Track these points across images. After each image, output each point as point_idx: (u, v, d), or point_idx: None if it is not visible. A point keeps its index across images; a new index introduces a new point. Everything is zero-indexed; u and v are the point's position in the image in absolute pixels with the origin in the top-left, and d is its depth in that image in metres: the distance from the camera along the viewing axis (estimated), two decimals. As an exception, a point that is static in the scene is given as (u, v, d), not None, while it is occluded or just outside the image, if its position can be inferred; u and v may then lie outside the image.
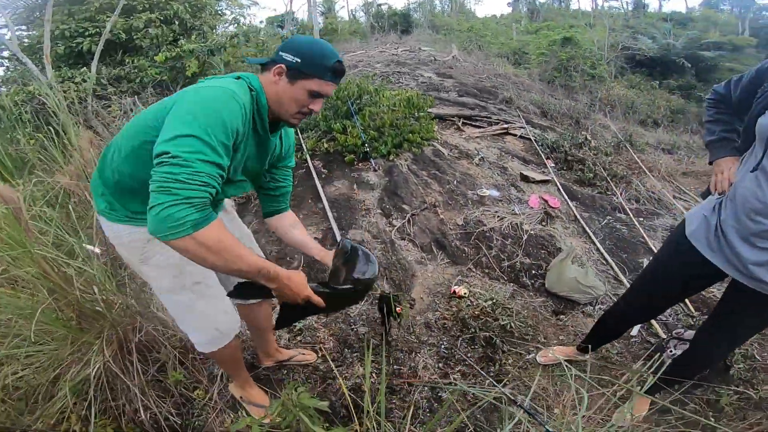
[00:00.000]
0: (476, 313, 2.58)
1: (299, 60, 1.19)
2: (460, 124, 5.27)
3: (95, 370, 1.87)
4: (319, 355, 2.30)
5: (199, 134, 1.00)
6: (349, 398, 1.62)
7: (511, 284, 2.89)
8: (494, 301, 2.63)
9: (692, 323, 2.65)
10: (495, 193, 3.68)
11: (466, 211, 3.44)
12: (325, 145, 4.38)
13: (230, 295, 1.27)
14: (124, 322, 2.01)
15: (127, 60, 5.89)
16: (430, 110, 5.10)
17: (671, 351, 2.31)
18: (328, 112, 4.71)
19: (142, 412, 1.97)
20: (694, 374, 1.69)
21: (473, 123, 5.38)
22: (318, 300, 1.27)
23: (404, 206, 3.49)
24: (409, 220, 3.31)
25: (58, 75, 5.31)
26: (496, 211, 3.44)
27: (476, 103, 6.19)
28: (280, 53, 1.21)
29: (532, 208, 3.56)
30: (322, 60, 1.20)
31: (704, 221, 1.35)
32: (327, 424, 1.76)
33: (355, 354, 2.33)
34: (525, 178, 4.02)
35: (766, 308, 1.32)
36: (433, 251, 3.08)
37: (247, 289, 1.23)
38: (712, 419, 1.39)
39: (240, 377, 1.94)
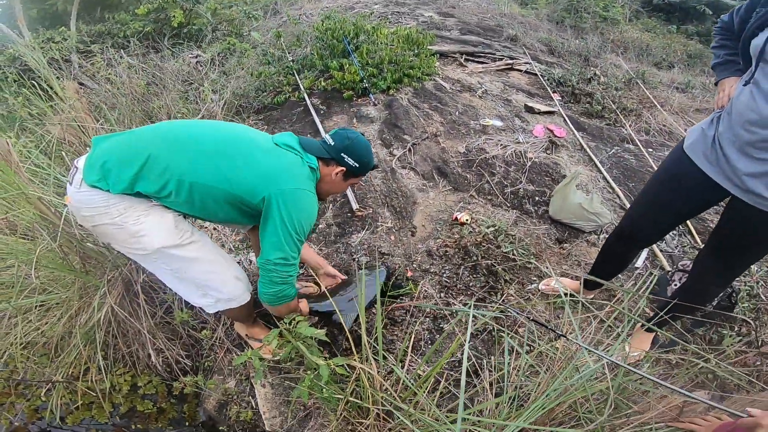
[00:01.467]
0: (478, 240, 2.47)
1: (357, 166, 1.55)
2: (462, 60, 4.99)
3: (103, 313, 1.83)
4: (323, 290, 2.24)
5: (296, 246, 1.44)
6: (349, 331, 1.58)
7: (514, 211, 2.78)
8: (496, 227, 2.52)
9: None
10: (498, 122, 3.50)
11: (468, 140, 3.28)
12: (323, 84, 4.19)
13: None
14: (126, 263, 1.95)
15: (107, 16, 5.56)
16: (430, 47, 4.82)
17: (676, 284, 2.20)
18: (324, 51, 4.48)
19: (153, 356, 1.96)
20: (695, 307, 1.66)
21: (476, 59, 5.09)
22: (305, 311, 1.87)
23: (405, 137, 3.33)
24: (409, 149, 3.16)
25: (36, 37, 5.04)
26: (499, 140, 3.28)
27: (479, 41, 5.84)
28: (344, 156, 1.53)
29: (536, 137, 3.39)
30: (369, 164, 1.60)
31: (702, 134, 1.36)
32: (327, 356, 1.73)
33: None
34: (530, 110, 3.82)
35: (762, 229, 1.30)
36: (434, 178, 2.95)
37: None
38: (713, 361, 1.28)
39: (243, 315, 1.92)
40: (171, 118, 3.38)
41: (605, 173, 3.14)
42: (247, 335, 1.97)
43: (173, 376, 2.03)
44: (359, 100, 4.01)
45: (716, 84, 1.47)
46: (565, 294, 1.88)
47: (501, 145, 3.20)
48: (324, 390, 1.34)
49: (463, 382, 0.85)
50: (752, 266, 2.38)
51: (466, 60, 5.03)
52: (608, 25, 8.27)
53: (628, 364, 1.16)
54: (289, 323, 1.43)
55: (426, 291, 2.21)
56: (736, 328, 2.07)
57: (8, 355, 1.89)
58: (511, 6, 8.92)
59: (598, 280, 1.51)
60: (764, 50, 1.11)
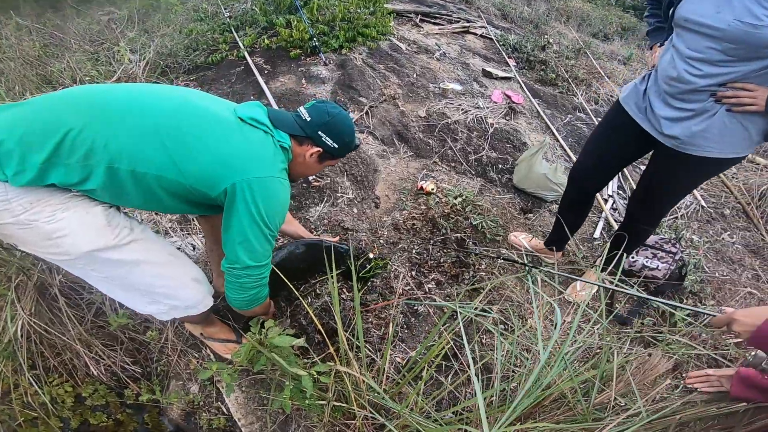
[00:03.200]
0: (446, 211, 2.32)
1: (337, 147, 1.27)
2: (417, 20, 4.68)
3: (18, 326, 1.45)
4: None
5: (268, 244, 1.20)
6: (319, 323, 1.36)
7: (479, 179, 2.64)
8: (464, 198, 2.37)
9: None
10: (458, 86, 3.30)
11: (428, 104, 3.06)
12: (266, 42, 3.72)
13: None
14: (36, 264, 1.55)
15: None
16: (386, 5, 4.46)
17: (632, 257, 2.18)
18: (268, 6, 3.98)
19: (91, 366, 1.59)
20: (631, 245, 1.86)
21: (432, 21, 4.81)
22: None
23: (361, 98, 3.03)
24: (367, 113, 2.88)
25: None
26: (460, 105, 3.10)
27: (434, 2, 5.55)
28: (322, 135, 1.24)
29: (495, 103, 3.25)
30: (350, 145, 1.31)
31: (634, 88, 1.56)
32: (298, 354, 1.50)
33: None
34: (487, 74, 3.66)
35: (678, 170, 1.52)
36: (395, 144, 2.72)
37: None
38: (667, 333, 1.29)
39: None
40: (78, 83, 2.78)
41: (562, 141, 3.09)
42: (202, 335, 1.65)
43: (121, 384, 1.69)
44: (308, 59, 3.61)
45: (650, 48, 1.70)
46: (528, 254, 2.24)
47: (462, 109, 3.02)
48: (307, 399, 1.12)
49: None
50: (698, 239, 2.45)
51: (422, 21, 4.73)
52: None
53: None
54: (258, 331, 1.20)
55: (396, 270, 2.01)
56: (685, 300, 2.12)
57: None
58: (461, -31, 8.64)
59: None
60: (676, 18, 1.33)
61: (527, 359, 1.21)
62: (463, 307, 1.21)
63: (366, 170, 2.48)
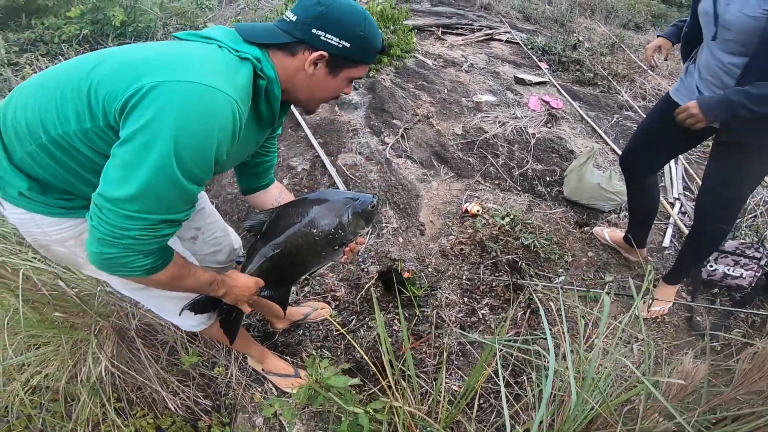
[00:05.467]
0: (494, 233, 2.14)
1: (348, 45, 0.88)
2: (439, 33, 4.54)
3: (102, 367, 1.51)
4: (333, 307, 1.86)
5: (174, 194, 0.77)
6: (367, 357, 1.31)
7: (526, 195, 2.44)
8: (512, 217, 2.19)
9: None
10: (491, 98, 3.12)
11: (463, 120, 2.90)
12: None
13: (186, 309, 1.08)
14: (110, 311, 1.61)
15: (34, 22, 4.71)
16: (406, 22, 4.35)
17: (711, 265, 1.95)
18: None
19: (168, 400, 1.63)
20: (707, 248, 1.76)
21: (453, 32, 4.66)
22: (258, 282, 1.08)
23: (395, 121, 2.91)
24: (402, 135, 2.75)
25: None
26: (496, 117, 2.91)
27: (453, 12, 5.39)
28: (319, 34, 0.87)
29: (533, 110, 3.04)
30: (373, 41, 0.91)
31: (682, 83, 1.57)
32: (354, 390, 1.47)
33: (368, 298, 1.89)
34: (520, 81, 3.45)
35: (738, 158, 1.45)
36: (434, 166, 2.57)
37: (200, 305, 1.08)
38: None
39: (254, 351, 1.59)
40: None
41: (612, 144, 2.83)
42: (263, 370, 1.63)
43: (195, 416, 1.69)
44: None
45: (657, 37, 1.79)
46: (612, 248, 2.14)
47: (499, 122, 2.83)
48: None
49: None
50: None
51: (444, 33, 4.59)
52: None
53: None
54: (313, 369, 1.13)
55: (448, 298, 1.87)
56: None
57: (19, 400, 1.54)
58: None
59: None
60: (699, 13, 1.39)
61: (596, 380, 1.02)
62: (508, 342, 1.04)
63: (408, 197, 2.34)
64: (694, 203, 2.46)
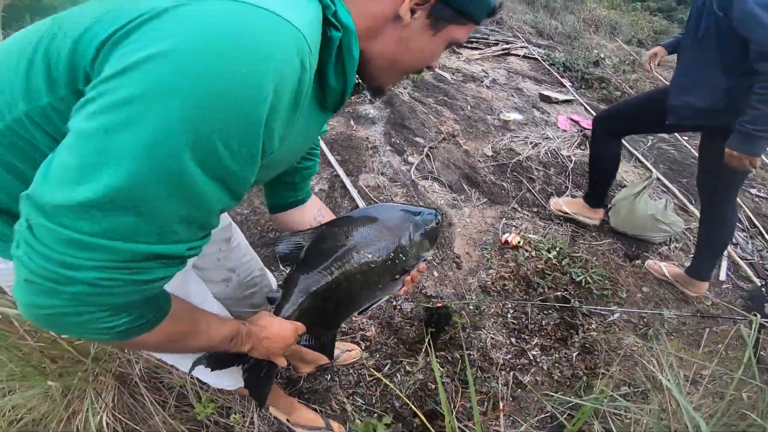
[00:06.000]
0: (540, 267, 1.93)
1: None
2: (454, 46, 4.36)
3: (103, 419, 1.25)
4: (363, 348, 1.61)
5: (179, 205, 0.43)
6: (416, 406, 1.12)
7: (568, 224, 2.21)
8: (558, 249, 1.97)
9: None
10: (518, 116, 2.91)
11: (491, 139, 2.68)
12: None
13: (197, 364, 0.74)
14: (110, 357, 1.36)
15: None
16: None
17: None
18: None
19: None
20: (720, 245, 1.80)
21: (468, 45, 4.48)
22: (298, 327, 0.78)
23: (417, 139, 2.67)
24: (427, 155, 2.51)
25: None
26: (527, 137, 2.69)
27: (464, 27, 5.26)
28: None
29: (564, 131, 2.83)
30: None
31: None
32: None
33: (403, 339, 1.64)
34: (546, 99, 3.26)
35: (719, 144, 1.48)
36: (465, 190, 2.33)
37: (215, 358, 0.75)
38: None
39: (280, 402, 1.37)
40: None
41: (653, 169, 2.62)
42: (289, 421, 1.37)
43: None
44: (352, 98, 3.32)
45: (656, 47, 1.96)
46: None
47: (531, 143, 2.62)
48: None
49: None
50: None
51: (459, 46, 4.41)
52: (575, 3, 7.89)
53: None
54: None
55: (493, 338, 1.65)
56: None
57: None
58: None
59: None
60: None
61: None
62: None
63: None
64: (746, 235, 2.27)
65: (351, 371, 1.56)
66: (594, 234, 2.17)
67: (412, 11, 0.57)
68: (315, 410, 1.42)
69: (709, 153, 1.59)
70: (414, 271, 0.83)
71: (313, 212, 0.94)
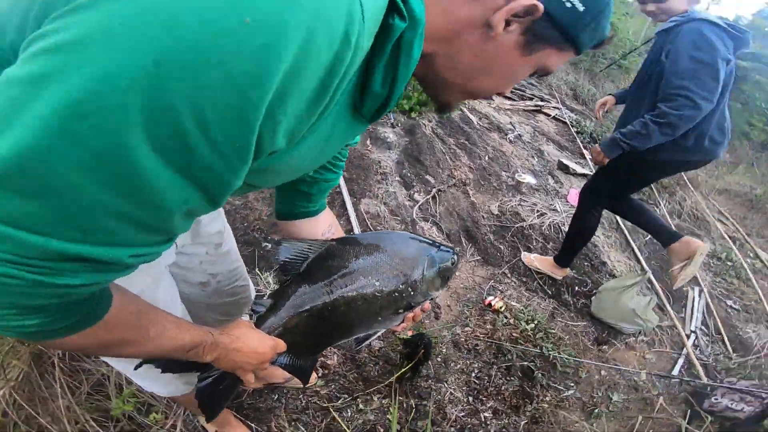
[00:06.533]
0: (515, 335, 1.95)
1: (580, 7, 0.47)
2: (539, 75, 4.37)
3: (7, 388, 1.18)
4: (319, 375, 1.58)
5: (115, 195, 0.31)
6: None
7: (551, 300, 2.21)
8: (536, 323, 1.97)
9: (732, 366, 2.20)
10: (532, 180, 2.91)
11: (501, 197, 2.67)
12: None
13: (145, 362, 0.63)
14: None
15: None
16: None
17: (716, 399, 1.90)
18: None
19: None
20: (581, 238, 2.14)
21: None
22: (278, 345, 0.69)
23: (428, 177, 2.67)
24: (434, 197, 2.51)
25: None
26: (535, 204, 2.69)
27: (504, 72, 5.28)
28: None
29: (573, 206, 2.82)
30: (606, 20, 0.51)
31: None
32: None
33: (364, 376, 1.62)
34: (564, 168, 3.26)
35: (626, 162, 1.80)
36: (461, 243, 2.32)
37: (167, 360, 0.66)
38: None
39: None
40: None
41: (645, 264, 2.61)
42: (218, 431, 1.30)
43: None
44: (376, 116, 3.32)
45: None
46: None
47: (537, 211, 2.61)
48: None
49: None
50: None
51: (545, 74, 4.41)
52: (620, 72, 7.92)
53: None
54: None
55: (452, 393, 1.65)
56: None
57: None
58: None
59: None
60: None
61: None
62: None
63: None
64: (708, 339, 2.29)
65: (301, 396, 1.53)
66: (573, 314, 2.17)
67: (507, 23, 0.46)
68: (250, 429, 1.35)
69: (615, 162, 1.81)
70: (418, 309, 0.79)
71: (323, 227, 0.85)
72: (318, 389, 1.56)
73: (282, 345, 0.69)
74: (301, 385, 1.52)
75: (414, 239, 0.80)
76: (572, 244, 2.17)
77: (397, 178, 2.66)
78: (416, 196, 2.52)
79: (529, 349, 1.90)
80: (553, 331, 2.00)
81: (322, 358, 1.67)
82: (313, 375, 1.56)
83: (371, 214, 2.31)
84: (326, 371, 1.62)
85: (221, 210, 0.89)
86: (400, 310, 0.76)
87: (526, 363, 1.84)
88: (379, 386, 1.59)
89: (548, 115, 4.25)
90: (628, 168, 1.84)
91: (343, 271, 0.72)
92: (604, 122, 4.21)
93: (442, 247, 0.80)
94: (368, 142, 3.00)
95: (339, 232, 0.89)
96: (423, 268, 0.75)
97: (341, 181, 2.43)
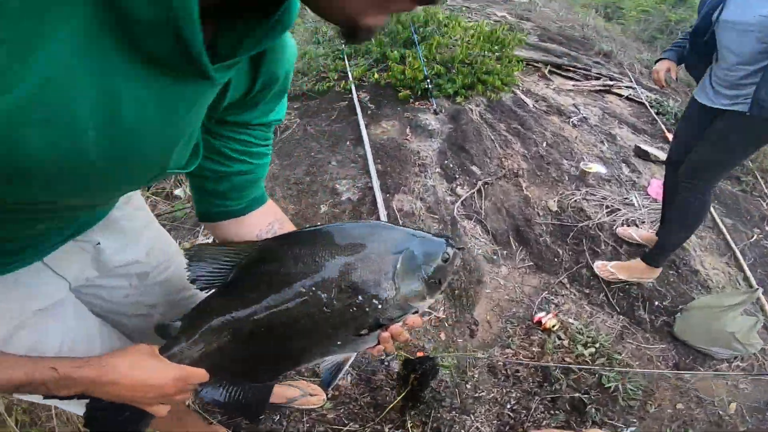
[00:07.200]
0: (568, 360, 1.56)
1: None
2: (546, 71, 3.85)
3: None
4: (328, 396, 1.36)
5: None
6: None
7: (622, 317, 1.78)
8: (597, 346, 1.58)
9: None
10: (602, 168, 2.43)
11: (561, 191, 2.25)
12: (376, 76, 3.27)
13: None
14: None
15: None
16: (515, 52, 3.72)
17: None
18: (384, 37, 3.56)
19: None
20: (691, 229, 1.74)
21: (564, 73, 3.94)
22: (191, 375, 0.56)
23: (474, 168, 2.33)
24: (479, 190, 2.16)
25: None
26: (604, 198, 2.23)
27: (564, 52, 4.64)
28: None
29: (654, 200, 2.32)
30: None
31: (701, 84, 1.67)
32: None
33: (378, 402, 1.36)
34: (642, 154, 2.72)
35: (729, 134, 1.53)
36: (510, 244, 1.96)
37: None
38: None
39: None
40: None
41: (748, 272, 2.05)
42: None
43: None
44: (417, 103, 3.03)
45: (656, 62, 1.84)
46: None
47: (607, 206, 2.15)
48: None
49: None
50: None
51: (551, 72, 3.88)
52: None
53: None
54: None
55: (478, 429, 1.35)
56: None
57: None
58: (596, 18, 7.53)
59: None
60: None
61: None
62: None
63: (468, 279, 1.76)
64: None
65: (305, 418, 1.35)
66: (648, 335, 1.73)
67: None
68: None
69: (717, 134, 1.56)
70: (397, 327, 0.59)
71: (260, 226, 0.68)
72: (325, 412, 1.34)
73: (198, 374, 0.57)
74: (314, 405, 1.33)
75: (387, 229, 0.61)
76: (674, 235, 1.77)
77: (438, 170, 2.34)
78: (459, 189, 2.19)
79: (585, 377, 1.52)
80: (620, 356, 1.60)
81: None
82: (323, 396, 1.36)
83: (405, 212, 2.02)
84: (337, 393, 1.40)
85: (141, 237, 0.74)
86: (364, 332, 0.58)
87: (578, 394, 1.48)
88: (391, 414, 1.32)
89: (620, 96, 3.64)
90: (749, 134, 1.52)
91: (276, 280, 0.56)
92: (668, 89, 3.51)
93: (426, 239, 0.60)
94: (408, 130, 2.70)
95: (287, 227, 0.70)
96: (395, 270, 0.56)
97: (373, 175, 2.18)
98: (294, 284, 0.56)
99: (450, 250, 0.60)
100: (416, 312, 0.61)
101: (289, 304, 0.56)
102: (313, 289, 0.55)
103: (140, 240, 0.73)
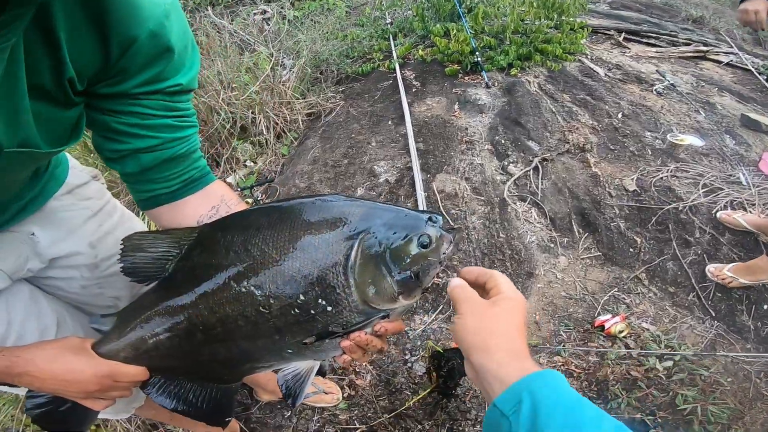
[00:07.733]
0: (634, 375, 1.25)
1: None
2: (620, 39, 3.31)
3: None
4: (344, 395, 1.19)
5: None
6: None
7: (716, 323, 1.38)
8: (678, 359, 1.22)
9: None
10: (697, 140, 1.96)
11: (641, 167, 1.84)
12: (421, 53, 3.07)
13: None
14: None
15: None
16: (577, 18, 3.24)
17: None
18: (428, 12, 3.36)
19: None
20: None
21: (642, 39, 3.36)
22: (130, 373, 0.55)
23: (530, 143, 2.00)
24: (536, 168, 1.83)
25: None
26: (700, 175, 1.78)
27: (643, 19, 4.01)
28: None
29: (766, 176, 1.81)
30: None
31: None
32: None
33: (394, 406, 1.15)
34: (752, 124, 2.18)
35: None
36: (572, 230, 1.61)
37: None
38: None
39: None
40: (224, 88, 2.41)
41: None
42: None
43: None
44: (466, 78, 2.74)
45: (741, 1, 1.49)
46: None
47: (705, 185, 1.71)
48: None
49: None
50: None
51: (626, 39, 3.33)
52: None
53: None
54: None
55: None
56: None
57: None
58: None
59: None
60: None
61: None
62: None
63: (518, 269, 1.46)
64: None
65: (316, 416, 1.22)
66: (750, 345, 1.32)
67: None
68: None
69: None
70: (361, 335, 0.47)
71: (201, 211, 0.60)
72: (338, 413, 1.16)
73: (129, 372, 0.54)
74: (327, 404, 1.16)
75: (342, 205, 0.47)
76: None
77: (488, 146, 2.04)
78: (511, 168, 1.87)
79: (654, 395, 1.18)
80: (706, 372, 1.21)
81: (355, 375, 1.24)
82: (338, 395, 1.21)
83: (446, 194, 1.76)
84: (353, 392, 1.21)
85: (82, 228, 0.71)
86: (309, 339, 0.46)
87: (639, 415, 1.17)
88: (407, 422, 1.10)
89: (718, 62, 3.01)
90: None
91: (206, 274, 0.48)
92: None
93: (400, 215, 0.45)
94: (456, 106, 2.42)
95: (238, 207, 0.61)
96: (347, 262, 0.43)
97: (413, 154, 1.94)
98: (225, 279, 0.47)
99: (432, 231, 0.44)
100: (385, 317, 0.46)
101: (220, 300, 0.47)
102: (245, 284, 0.46)
103: (80, 231, 0.70)
